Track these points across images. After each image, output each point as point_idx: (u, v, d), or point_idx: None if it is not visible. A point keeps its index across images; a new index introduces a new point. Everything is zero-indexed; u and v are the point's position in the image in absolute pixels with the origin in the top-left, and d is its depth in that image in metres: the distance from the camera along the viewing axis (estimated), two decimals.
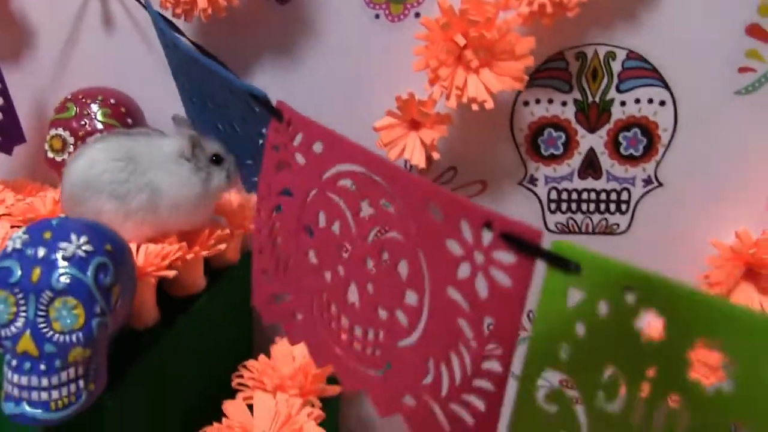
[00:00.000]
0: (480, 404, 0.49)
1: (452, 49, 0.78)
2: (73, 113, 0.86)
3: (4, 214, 0.83)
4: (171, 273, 0.72)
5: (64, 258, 0.58)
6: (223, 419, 0.76)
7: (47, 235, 0.60)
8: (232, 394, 0.82)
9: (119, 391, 0.64)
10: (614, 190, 0.88)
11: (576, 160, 0.88)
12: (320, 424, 0.77)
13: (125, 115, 0.87)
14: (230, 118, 0.73)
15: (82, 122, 0.86)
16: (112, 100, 0.87)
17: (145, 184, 0.72)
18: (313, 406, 0.80)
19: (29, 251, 0.59)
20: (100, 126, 0.85)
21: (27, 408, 0.58)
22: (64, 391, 0.58)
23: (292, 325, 0.64)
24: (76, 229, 0.60)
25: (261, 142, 0.68)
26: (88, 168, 0.71)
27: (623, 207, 0.88)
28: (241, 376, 0.84)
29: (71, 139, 0.85)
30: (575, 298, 0.41)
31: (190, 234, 0.78)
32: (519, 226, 0.43)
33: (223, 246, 0.79)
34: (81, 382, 0.59)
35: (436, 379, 0.51)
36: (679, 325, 0.37)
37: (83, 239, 0.60)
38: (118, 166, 0.72)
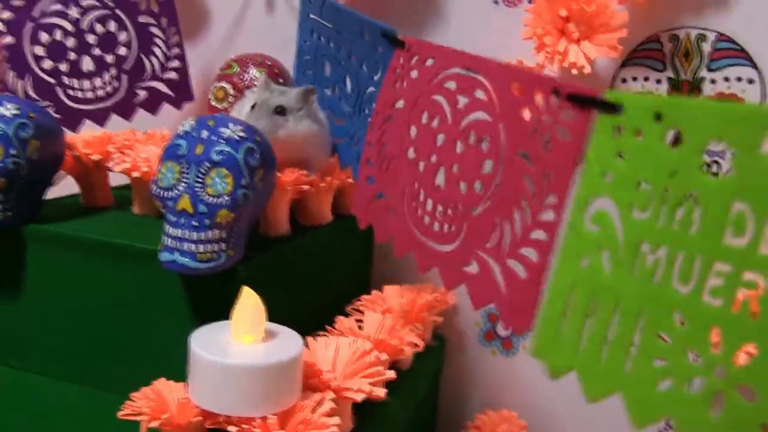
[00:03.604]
0: (533, 255, 0.57)
1: (556, 20, 0.87)
2: (236, 70, 1.01)
3: None
4: (306, 186, 0.83)
5: (222, 138, 0.70)
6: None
7: (211, 122, 0.72)
8: None
9: (251, 266, 0.74)
10: (705, 163, 0.92)
11: (668, 135, 0.94)
12: (425, 369, 0.84)
13: (277, 75, 1.01)
14: (344, 76, 0.85)
15: (242, 77, 1.00)
16: (268, 62, 1.02)
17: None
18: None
19: (195, 133, 0.71)
20: (256, 82, 1.00)
21: (179, 257, 0.69)
22: (209, 247, 0.69)
23: (383, 221, 0.75)
24: (233, 121, 0.73)
25: (371, 89, 0.79)
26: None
27: None
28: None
29: (232, 91, 1.00)
30: (618, 133, 0.50)
31: (324, 168, 0.89)
32: (580, 87, 0.53)
33: (351, 180, 0.89)
34: (223, 245, 0.70)
35: (499, 238, 0.60)
36: (694, 131, 0.46)
37: (239, 127, 0.72)
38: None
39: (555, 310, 0.54)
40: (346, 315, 0.91)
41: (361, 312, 0.90)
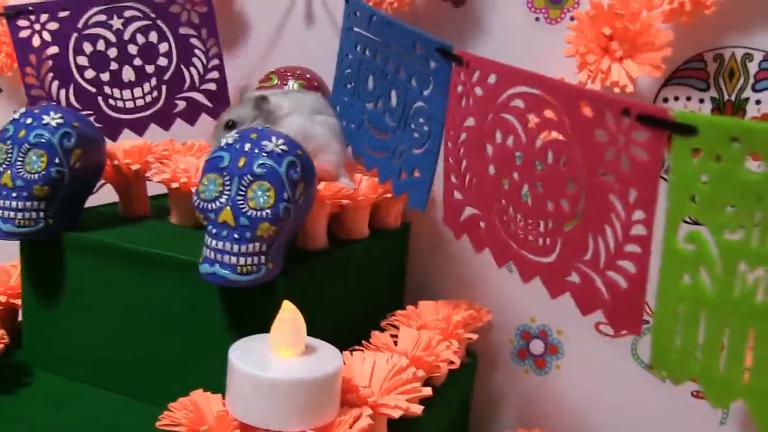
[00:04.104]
0: (631, 267, 0.58)
1: (599, 38, 0.87)
2: (275, 82, 1.02)
3: None
4: (345, 200, 0.83)
5: (265, 152, 0.71)
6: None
7: (253, 135, 0.73)
8: None
9: (290, 279, 0.74)
10: None
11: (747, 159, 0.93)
12: (457, 386, 0.84)
13: (316, 88, 1.02)
14: (389, 90, 0.85)
15: (281, 90, 1.01)
16: (307, 75, 1.03)
17: None
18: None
19: (237, 146, 0.72)
20: None
21: (219, 269, 0.69)
22: (250, 260, 0.69)
23: (476, 234, 0.77)
24: (275, 134, 0.73)
25: (419, 104, 0.79)
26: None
27: None
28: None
29: None
30: (696, 156, 0.51)
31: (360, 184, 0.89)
32: (651, 107, 0.54)
33: (389, 194, 0.89)
34: (263, 258, 0.70)
35: (595, 253, 0.61)
36: None
37: (281, 141, 0.72)
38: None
39: (667, 324, 0.55)
40: (381, 330, 0.90)
41: (396, 327, 0.90)
